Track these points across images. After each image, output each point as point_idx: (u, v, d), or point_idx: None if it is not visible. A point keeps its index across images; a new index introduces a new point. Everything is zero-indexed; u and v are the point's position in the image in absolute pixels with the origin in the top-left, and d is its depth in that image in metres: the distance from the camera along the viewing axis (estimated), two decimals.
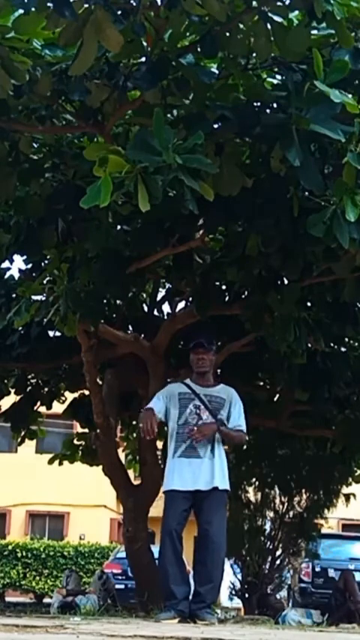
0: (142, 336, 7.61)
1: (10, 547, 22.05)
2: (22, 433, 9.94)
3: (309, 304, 6.86)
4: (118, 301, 7.67)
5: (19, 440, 10.14)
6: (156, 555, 7.07)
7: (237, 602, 13.14)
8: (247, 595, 12.02)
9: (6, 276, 7.51)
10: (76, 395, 9.69)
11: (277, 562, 12.30)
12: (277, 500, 12.22)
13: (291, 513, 12.22)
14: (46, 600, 18.02)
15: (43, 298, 6.48)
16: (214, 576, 5.30)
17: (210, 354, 5.60)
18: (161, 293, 8.28)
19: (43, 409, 9.70)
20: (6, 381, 9.19)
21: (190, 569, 5.53)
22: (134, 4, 4.35)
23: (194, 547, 5.35)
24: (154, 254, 6.23)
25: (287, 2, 4.51)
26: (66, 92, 4.95)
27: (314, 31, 4.61)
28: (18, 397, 9.46)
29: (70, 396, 9.74)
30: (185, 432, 5.35)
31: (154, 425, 5.28)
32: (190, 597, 5.25)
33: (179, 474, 5.32)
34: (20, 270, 7.38)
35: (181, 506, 5.30)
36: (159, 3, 4.39)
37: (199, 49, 4.69)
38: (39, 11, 4.20)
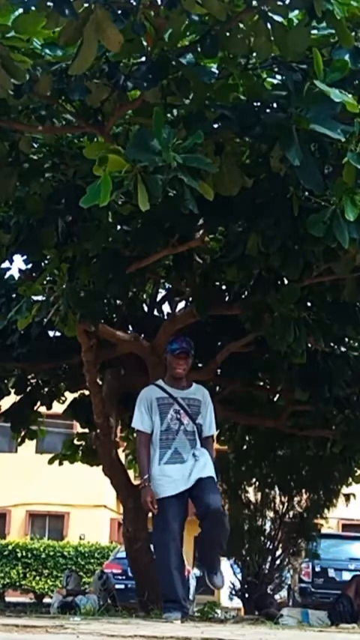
0: (142, 336, 7.60)
1: (10, 547, 22.07)
2: (22, 433, 9.92)
3: (309, 304, 6.85)
4: (118, 301, 7.66)
5: (19, 440, 10.13)
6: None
7: (237, 602, 13.14)
8: (247, 595, 12.01)
9: (6, 276, 7.50)
10: (76, 395, 9.68)
11: (277, 562, 12.30)
12: (277, 500, 12.22)
13: (291, 513, 12.21)
14: (46, 600, 18.01)
15: (43, 298, 6.47)
16: (223, 539, 5.48)
17: (189, 360, 5.70)
18: (161, 293, 8.28)
19: (43, 409, 9.69)
20: (6, 381, 9.18)
21: (190, 569, 5.58)
22: (134, 3, 4.34)
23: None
24: (154, 254, 6.22)
25: (287, 1, 4.51)
26: (66, 92, 4.94)
27: (314, 31, 4.60)
28: (18, 397, 9.45)
29: (70, 396, 9.73)
30: (169, 439, 5.48)
31: (154, 502, 5.39)
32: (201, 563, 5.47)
33: (170, 480, 5.40)
34: (20, 270, 7.38)
35: (180, 509, 5.41)
36: (159, 2, 4.38)
37: (199, 49, 4.68)
38: (39, 10, 4.19)
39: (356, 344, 8.14)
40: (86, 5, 4.12)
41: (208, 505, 5.32)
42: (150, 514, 5.51)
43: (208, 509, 5.32)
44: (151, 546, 7.81)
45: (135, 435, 9.58)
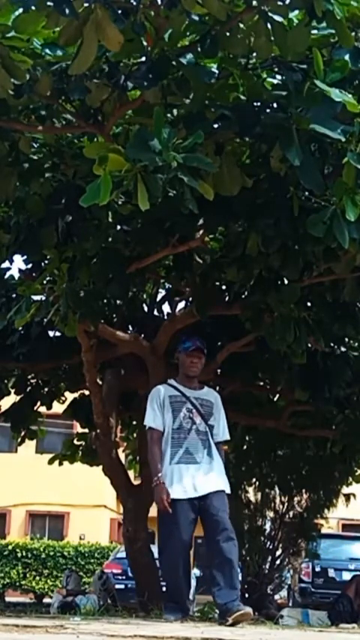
0: (142, 336, 7.61)
1: (10, 547, 22.09)
2: (22, 433, 9.92)
3: (309, 304, 6.85)
4: (118, 301, 7.67)
5: (19, 440, 10.13)
6: (156, 555, 7.07)
7: None
8: (247, 595, 12.01)
9: (6, 276, 7.50)
10: (76, 395, 9.68)
11: (277, 562, 12.31)
12: (277, 500, 12.24)
13: (291, 513, 12.24)
14: (46, 600, 18.04)
15: (43, 298, 6.47)
16: (235, 562, 5.21)
17: (203, 359, 5.64)
18: (161, 293, 8.28)
19: (43, 409, 9.69)
20: (6, 381, 9.19)
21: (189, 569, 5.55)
22: (134, 3, 4.35)
23: (206, 538, 5.29)
24: (154, 254, 6.22)
25: (287, 1, 4.51)
26: (66, 92, 4.95)
27: (314, 31, 4.61)
28: (18, 397, 9.46)
29: (70, 396, 9.74)
30: (181, 437, 5.39)
31: (169, 499, 5.23)
32: (218, 591, 5.11)
33: (179, 482, 5.27)
34: (20, 270, 7.38)
35: (189, 515, 5.26)
36: (159, 2, 4.39)
37: (199, 49, 4.68)
38: (39, 10, 4.20)
39: (356, 344, 8.14)
40: (86, 5, 4.13)
41: (218, 521, 5.20)
42: (156, 514, 5.41)
43: (218, 524, 5.19)
44: (151, 546, 7.83)
45: (135, 435, 9.60)
